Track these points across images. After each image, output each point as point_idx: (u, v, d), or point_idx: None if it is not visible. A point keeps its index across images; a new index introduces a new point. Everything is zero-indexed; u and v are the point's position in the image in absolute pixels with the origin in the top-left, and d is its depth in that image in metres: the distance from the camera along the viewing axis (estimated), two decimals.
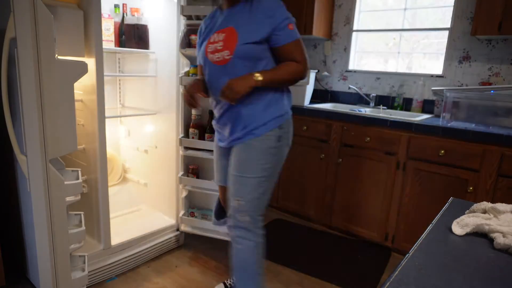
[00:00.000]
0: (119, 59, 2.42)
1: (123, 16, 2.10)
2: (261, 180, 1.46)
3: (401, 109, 2.73)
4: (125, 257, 1.96)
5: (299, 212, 2.79)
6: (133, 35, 2.10)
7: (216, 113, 1.52)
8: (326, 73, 3.12)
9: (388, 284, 0.62)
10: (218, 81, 1.41)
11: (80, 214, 1.68)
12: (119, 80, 2.47)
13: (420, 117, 2.37)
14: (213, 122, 1.59)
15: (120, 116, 2.44)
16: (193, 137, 2.06)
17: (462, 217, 0.90)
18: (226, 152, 1.57)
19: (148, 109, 2.30)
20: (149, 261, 2.09)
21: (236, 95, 1.31)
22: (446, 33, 2.55)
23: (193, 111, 2.05)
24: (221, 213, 1.79)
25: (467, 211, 0.95)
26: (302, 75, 1.40)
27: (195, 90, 1.46)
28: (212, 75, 1.45)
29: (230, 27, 1.37)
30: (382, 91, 2.87)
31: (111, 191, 2.11)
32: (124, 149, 2.57)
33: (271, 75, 1.35)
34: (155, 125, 2.30)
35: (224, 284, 1.85)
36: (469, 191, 2.00)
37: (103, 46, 1.69)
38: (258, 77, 1.32)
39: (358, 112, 2.52)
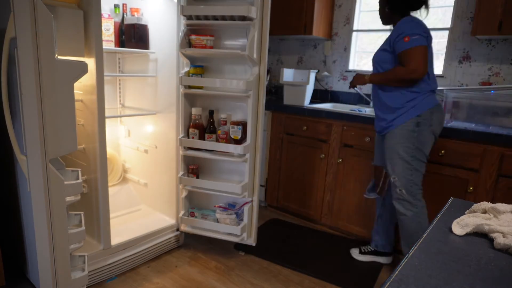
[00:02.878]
0: (119, 59, 2.42)
1: (123, 16, 2.10)
2: (409, 160, 1.81)
3: None
4: (125, 257, 1.96)
5: (299, 212, 2.78)
6: (133, 35, 2.10)
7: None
8: (326, 73, 3.12)
9: (388, 284, 0.62)
10: None
11: (80, 214, 1.68)
12: (119, 80, 2.47)
13: None
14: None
15: (120, 116, 2.44)
16: (193, 137, 2.06)
17: (462, 217, 0.90)
18: (381, 138, 2.02)
19: (148, 109, 2.30)
20: (149, 261, 2.09)
21: (353, 84, 2.14)
22: (446, 33, 2.55)
23: (193, 111, 2.05)
24: (373, 188, 2.16)
25: (467, 211, 0.95)
26: (406, 77, 1.74)
27: None
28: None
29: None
30: None
31: (111, 191, 2.11)
32: (124, 149, 2.57)
33: (378, 75, 1.92)
34: (155, 125, 2.30)
35: (360, 249, 2.26)
36: (469, 191, 2.00)
37: (103, 46, 1.68)
38: (367, 76, 1.97)
39: (358, 112, 2.52)
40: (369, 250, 2.24)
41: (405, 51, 1.72)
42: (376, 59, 1.93)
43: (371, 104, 2.86)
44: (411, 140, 1.79)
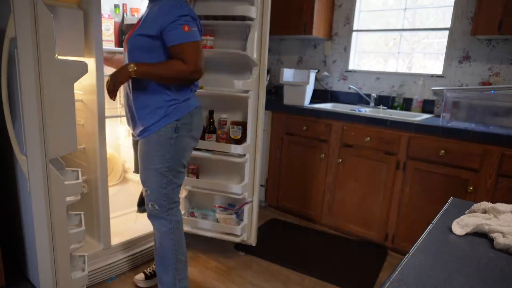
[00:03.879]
0: None
1: (123, 16, 2.10)
2: (162, 171, 1.52)
3: (401, 109, 2.73)
4: (125, 257, 1.96)
5: (299, 212, 2.78)
6: None
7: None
8: (326, 73, 3.12)
9: (388, 284, 0.62)
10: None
11: (80, 214, 1.68)
12: None
13: (420, 117, 2.37)
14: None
15: (120, 116, 2.44)
16: None
17: (462, 217, 0.90)
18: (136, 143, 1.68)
19: None
20: (149, 261, 2.09)
21: (114, 87, 1.42)
22: (446, 33, 2.55)
23: None
24: (143, 201, 1.87)
25: (467, 211, 0.95)
26: (185, 75, 1.42)
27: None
28: (124, 60, 1.58)
29: (139, 20, 1.51)
30: (382, 91, 2.87)
31: (111, 191, 2.10)
32: (124, 149, 2.57)
33: (147, 67, 1.41)
34: None
35: (144, 273, 1.88)
36: (469, 191, 2.00)
37: (103, 46, 1.69)
38: (133, 67, 1.38)
39: (358, 112, 2.52)
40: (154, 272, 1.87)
41: (186, 45, 1.39)
42: (133, 45, 1.45)
43: (371, 104, 2.86)
44: (168, 149, 1.50)
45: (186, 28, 1.38)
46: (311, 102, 2.95)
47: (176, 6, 1.39)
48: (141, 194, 1.90)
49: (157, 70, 1.42)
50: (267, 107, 2.79)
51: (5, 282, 1.74)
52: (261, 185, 2.95)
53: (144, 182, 1.56)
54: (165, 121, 1.48)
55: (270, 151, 2.86)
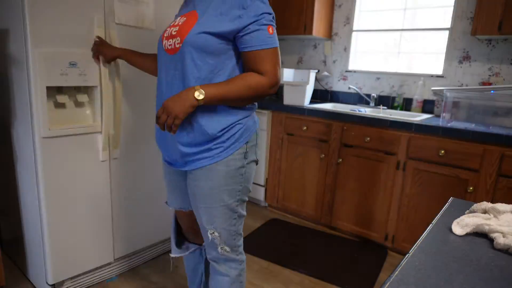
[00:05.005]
0: None
1: None
2: (233, 206, 1.21)
3: (401, 109, 2.73)
4: (125, 257, 1.96)
5: (299, 212, 2.78)
6: None
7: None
8: (326, 73, 3.12)
9: (388, 284, 0.62)
10: (166, 77, 1.15)
11: None
12: None
13: (420, 117, 2.37)
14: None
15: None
16: None
17: (462, 217, 0.90)
18: (179, 173, 1.30)
19: None
20: (149, 261, 2.09)
21: (175, 120, 1.04)
22: (446, 33, 2.55)
23: None
24: (181, 239, 1.49)
25: (467, 211, 0.95)
26: (265, 91, 1.11)
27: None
28: (161, 68, 1.18)
29: (193, 11, 1.12)
30: (382, 91, 2.87)
31: None
32: None
33: (217, 89, 1.06)
34: None
35: None
36: (469, 191, 2.00)
37: None
38: (201, 93, 1.03)
39: (358, 112, 2.52)
40: None
41: (267, 52, 1.08)
42: (196, 48, 1.07)
43: (371, 104, 2.86)
44: (238, 180, 1.18)
45: (271, 30, 1.08)
46: (311, 102, 2.95)
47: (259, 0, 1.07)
48: (176, 229, 1.46)
49: (232, 93, 1.07)
50: (267, 107, 2.79)
51: (5, 282, 1.74)
52: (261, 185, 2.96)
53: (208, 223, 1.21)
54: (234, 147, 1.16)
55: (270, 151, 2.86)
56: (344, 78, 3.08)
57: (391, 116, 2.39)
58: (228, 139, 1.14)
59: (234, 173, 1.16)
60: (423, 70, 2.73)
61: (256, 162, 1.25)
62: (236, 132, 1.15)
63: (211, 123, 1.12)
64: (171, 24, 1.16)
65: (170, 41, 1.12)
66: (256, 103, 1.24)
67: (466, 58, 2.48)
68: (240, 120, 1.16)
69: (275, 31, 1.09)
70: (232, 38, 1.08)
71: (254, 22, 1.04)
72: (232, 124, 1.14)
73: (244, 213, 1.27)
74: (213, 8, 1.07)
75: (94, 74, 1.56)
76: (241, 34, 1.06)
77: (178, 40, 1.09)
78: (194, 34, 1.06)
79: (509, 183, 1.89)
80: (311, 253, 2.30)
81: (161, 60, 1.18)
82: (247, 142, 1.18)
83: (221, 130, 1.13)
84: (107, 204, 1.77)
